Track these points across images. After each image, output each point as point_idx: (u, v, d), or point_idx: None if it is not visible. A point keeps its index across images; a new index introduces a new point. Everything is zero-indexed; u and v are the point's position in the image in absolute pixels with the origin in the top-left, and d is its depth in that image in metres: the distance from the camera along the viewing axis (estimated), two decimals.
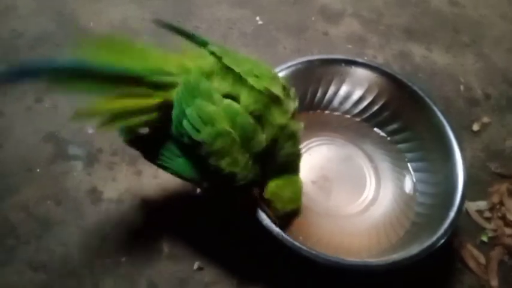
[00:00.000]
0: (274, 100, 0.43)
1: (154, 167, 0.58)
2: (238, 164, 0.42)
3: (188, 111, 0.42)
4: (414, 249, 0.48)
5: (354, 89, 0.62)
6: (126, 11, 0.74)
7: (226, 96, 0.43)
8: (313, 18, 0.79)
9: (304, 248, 0.46)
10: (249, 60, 0.46)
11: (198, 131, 0.42)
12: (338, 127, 0.63)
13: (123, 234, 0.52)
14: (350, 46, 0.76)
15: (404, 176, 0.59)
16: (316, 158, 0.60)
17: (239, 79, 0.43)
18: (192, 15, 0.76)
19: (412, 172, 0.59)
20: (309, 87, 0.62)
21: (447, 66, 0.75)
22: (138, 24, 0.73)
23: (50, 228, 0.52)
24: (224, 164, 0.42)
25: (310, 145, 0.61)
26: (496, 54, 0.78)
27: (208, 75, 0.44)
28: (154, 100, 0.44)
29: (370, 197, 0.58)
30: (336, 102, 0.64)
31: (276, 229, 0.47)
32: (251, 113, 0.42)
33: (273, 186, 0.46)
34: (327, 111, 0.64)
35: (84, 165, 0.57)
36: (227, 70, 0.43)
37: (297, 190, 0.48)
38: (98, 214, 0.53)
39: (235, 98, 0.43)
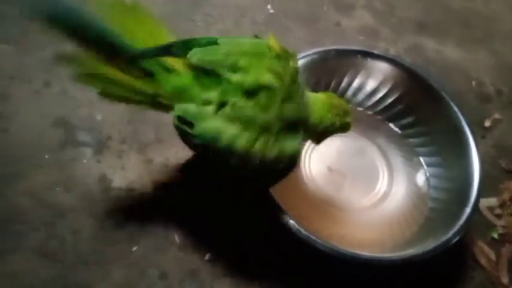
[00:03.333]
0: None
1: (165, 155, 0.58)
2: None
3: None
4: (430, 244, 0.48)
5: (368, 81, 0.62)
6: None
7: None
8: (325, 8, 0.77)
9: (319, 241, 0.46)
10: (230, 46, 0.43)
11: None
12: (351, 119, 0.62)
13: (134, 224, 0.51)
14: (362, 38, 0.75)
15: (417, 171, 0.59)
16: (328, 151, 0.60)
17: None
18: (203, 1, 0.74)
19: (425, 167, 0.59)
20: (323, 77, 0.61)
21: (459, 61, 0.74)
22: (150, 8, 0.71)
23: (60, 215, 0.51)
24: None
25: None
26: (508, 50, 0.77)
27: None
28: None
29: (382, 190, 0.57)
30: (349, 93, 0.63)
31: (291, 221, 0.47)
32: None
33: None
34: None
35: (93, 152, 0.56)
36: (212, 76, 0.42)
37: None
38: (108, 202, 0.52)
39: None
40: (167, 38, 0.45)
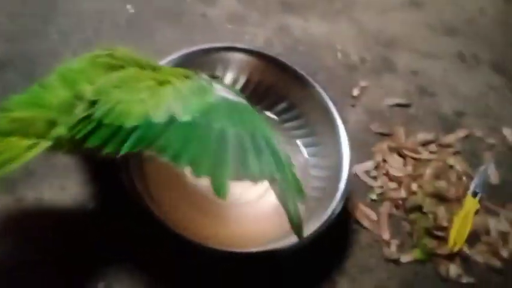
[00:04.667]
0: None
1: (39, 189, 0.54)
2: None
3: None
4: (313, 225, 0.51)
5: (239, 74, 0.63)
6: None
7: None
8: (188, 1, 0.76)
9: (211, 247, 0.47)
10: None
11: None
12: None
13: (8, 275, 0.48)
14: (230, 26, 0.75)
15: (297, 154, 0.61)
16: None
17: None
18: (56, 10, 0.68)
19: (303, 148, 0.62)
20: None
21: (324, 36, 0.78)
22: None
23: None
24: None
25: None
26: (367, 18, 0.82)
27: None
28: None
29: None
30: None
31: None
32: None
33: None
34: None
35: None
36: None
37: None
38: None
39: None
40: None
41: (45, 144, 0.40)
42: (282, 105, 0.63)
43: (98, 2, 0.71)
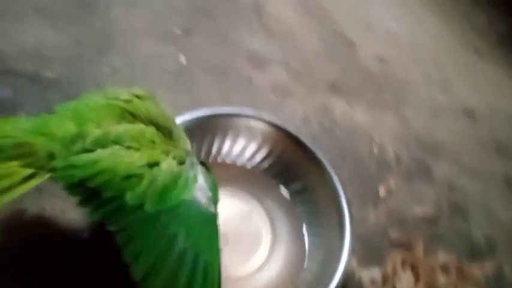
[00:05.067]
0: None
1: (42, 205, 0.55)
2: None
3: None
4: None
5: (261, 145, 0.62)
6: (41, 35, 0.70)
7: None
8: (239, 63, 0.78)
9: None
10: None
11: None
12: (243, 180, 0.62)
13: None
14: (272, 95, 0.75)
15: (298, 240, 0.58)
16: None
17: None
18: (113, 47, 0.73)
19: (306, 236, 0.58)
20: (215, 137, 0.61)
21: (365, 125, 0.76)
22: (53, 51, 0.70)
23: None
24: None
25: None
26: (415, 118, 0.79)
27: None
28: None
29: (261, 260, 0.57)
30: (247, 154, 0.63)
31: None
32: None
33: None
34: (237, 163, 0.63)
35: None
36: None
37: None
38: None
39: None
40: None
41: (44, 176, 0.40)
42: (296, 186, 0.61)
43: (154, 46, 0.75)
